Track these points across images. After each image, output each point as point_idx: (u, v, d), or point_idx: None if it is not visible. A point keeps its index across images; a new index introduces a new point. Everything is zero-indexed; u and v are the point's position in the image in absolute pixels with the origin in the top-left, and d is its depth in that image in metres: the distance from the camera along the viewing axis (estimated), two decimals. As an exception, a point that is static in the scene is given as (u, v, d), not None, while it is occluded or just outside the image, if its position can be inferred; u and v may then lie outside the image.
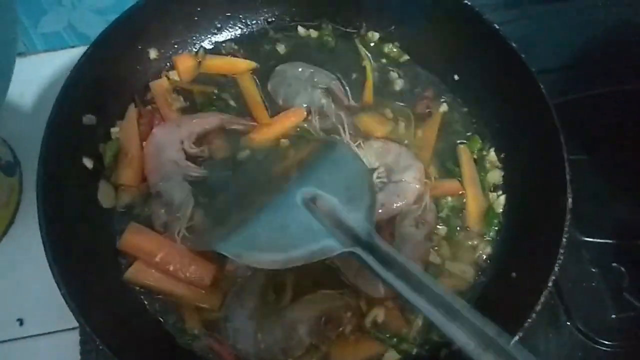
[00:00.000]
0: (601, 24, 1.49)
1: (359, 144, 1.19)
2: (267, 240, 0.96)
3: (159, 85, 1.27)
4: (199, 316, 1.08)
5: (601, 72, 1.41)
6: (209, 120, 1.22)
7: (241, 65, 1.31)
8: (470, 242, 1.15)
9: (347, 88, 1.28)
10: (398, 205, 1.14)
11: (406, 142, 1.23)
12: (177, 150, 1.18)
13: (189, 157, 1.19)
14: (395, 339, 1.05)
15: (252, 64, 1.31)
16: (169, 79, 1.29)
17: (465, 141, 1.24)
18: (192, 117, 1.23)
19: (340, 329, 1.05)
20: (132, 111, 1.23)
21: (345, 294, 1.07)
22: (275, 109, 1.26)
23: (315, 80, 1.27)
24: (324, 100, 1.25)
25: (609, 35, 1.46)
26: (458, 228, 1.16)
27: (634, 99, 1.36)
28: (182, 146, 1.18)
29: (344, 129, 1.21)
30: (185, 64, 1.30)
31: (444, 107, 1.27)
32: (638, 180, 1.27)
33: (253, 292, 1.06)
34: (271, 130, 1.23)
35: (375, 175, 1.16)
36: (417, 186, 1.15)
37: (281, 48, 1.34)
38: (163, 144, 1.17)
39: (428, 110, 1.26)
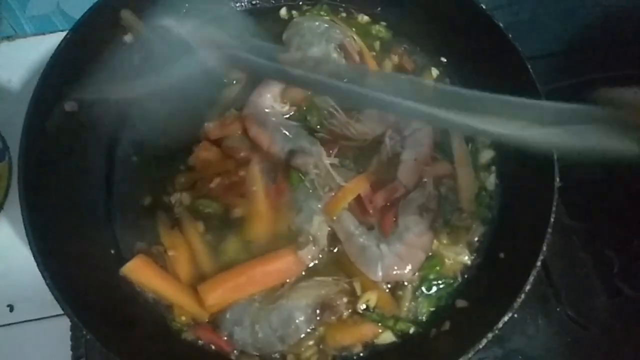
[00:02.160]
0: (592, 10, 1.48)
1: (357, 117, 1.17)
2: None
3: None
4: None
5: (593, 58, 1.40)
6: None
7: None
8: (463, 224, 1.14)
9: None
10: (425, 150, 1.15)
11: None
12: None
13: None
14: (391, 320, 1.06)
15: None
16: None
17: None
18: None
19: (338, 315, 1.05)
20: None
21: (340, 280, 1.07)
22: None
23: (330, 35, 1.27)
24: (335, 55, 1.25)
25: (601, 22, 1.46)
26: (451, 210, 1.15)
27: (626, 85, 1.36)
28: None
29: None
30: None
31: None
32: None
33: None
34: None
35: (387, 140, 1.16)
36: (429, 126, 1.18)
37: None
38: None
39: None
